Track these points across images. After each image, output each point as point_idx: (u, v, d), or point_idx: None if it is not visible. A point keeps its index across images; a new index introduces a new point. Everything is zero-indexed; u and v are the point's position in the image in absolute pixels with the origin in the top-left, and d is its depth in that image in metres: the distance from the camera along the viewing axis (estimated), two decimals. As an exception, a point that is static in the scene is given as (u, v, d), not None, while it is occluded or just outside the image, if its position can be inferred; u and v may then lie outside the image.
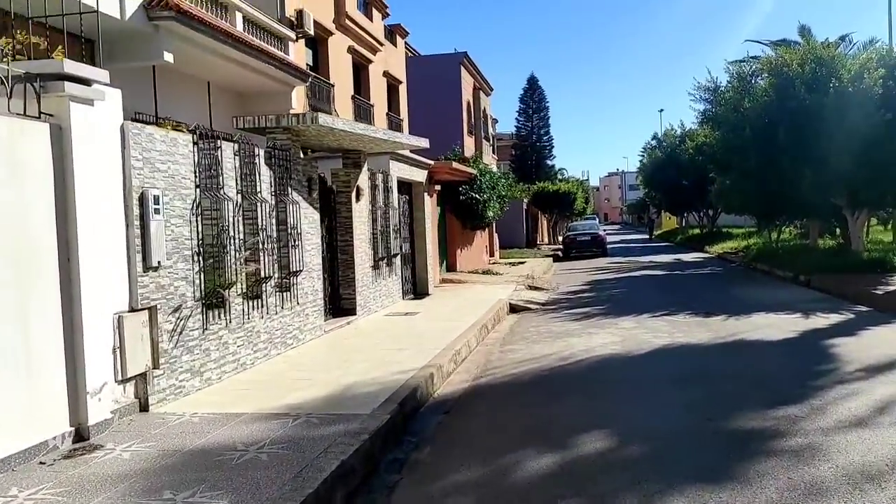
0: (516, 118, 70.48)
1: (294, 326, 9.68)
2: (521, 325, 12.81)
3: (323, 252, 11.62)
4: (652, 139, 42.34)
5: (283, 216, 9.41)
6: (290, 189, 9.61)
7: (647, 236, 59.94)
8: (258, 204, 8.63)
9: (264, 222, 8.76)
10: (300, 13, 17.63)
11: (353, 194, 12.53)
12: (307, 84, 17.45)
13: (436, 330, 11.13)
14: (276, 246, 9.09)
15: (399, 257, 15.47)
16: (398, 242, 15.34)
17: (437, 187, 19.31)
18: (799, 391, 6.89)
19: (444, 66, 35.77)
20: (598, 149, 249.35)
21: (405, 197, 17.22)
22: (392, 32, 26.78)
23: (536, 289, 18.95)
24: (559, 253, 35.30)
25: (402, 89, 26.89)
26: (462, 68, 36.09)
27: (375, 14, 23.66)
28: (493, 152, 55.97)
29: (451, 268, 22.16)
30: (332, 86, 19.79)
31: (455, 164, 19.67)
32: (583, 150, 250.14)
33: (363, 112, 22.00)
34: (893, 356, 8.29)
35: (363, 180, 13.01)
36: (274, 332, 9.04)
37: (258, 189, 8.67)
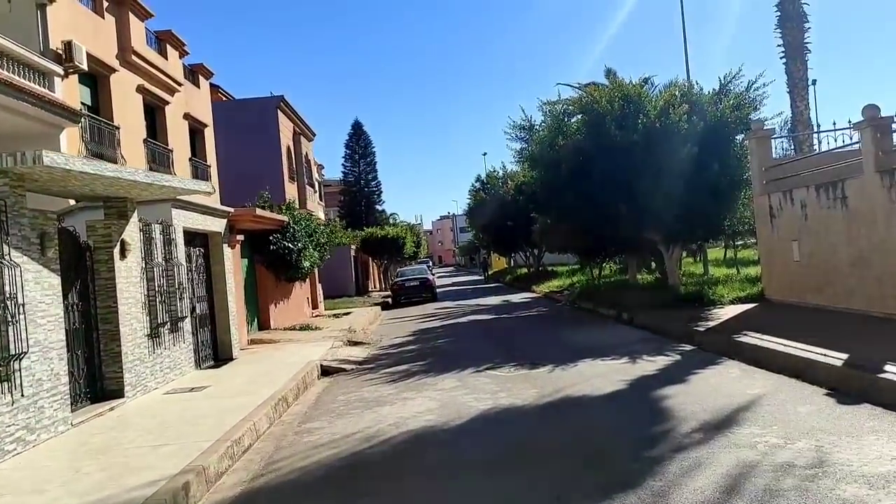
0: (343, 164, 69.51)
1: (17, 426, 7.40)
2: (329, 393, 11.11)
3: (74, 323, 9.38)
4: (476, 181, 42.54)
5: (-4, 284, 7.20)
6: (6, 248, 7.42)
7: (480, 277, 60.33)
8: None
9: (-45, 295, 6.54)
10: (69, 45, 15.19)
11: (117, 250, 10.36)
12: (79, 124, 15.01)
13: (219, 410, 9.17)
14: (-22, 324, 6.87)
15: (189, 320, 13.30)
16: (187, 303, 13.18)
17: (240, 237, 17.29)
18: (636, 467, 5.75)
19: (260, 110, 33.75)
20: (431, 193, 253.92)
21: (200, 250, 15.10)
22: (194, 73, 24.51)
23: (357, 344, 17.34)
24: (390, 300, 34.03)
25: (209, 133, 24.58)
26: (280, 112, 34.22)
27: (171, 52, 21.39)
28: (320, 199, 54.14)
29: (263, 325, 20.06)
30: (117, 128, 17.34)
31: (259, 212, 17.78)
32: (414, 195, 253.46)
33: (159, 157, 19.58)
34: (726, 409, 7.46)
35: (131, 233, 10.86)
36: (-23, 440, 6.76)
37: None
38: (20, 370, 7.46)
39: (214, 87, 38.88)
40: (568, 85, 19.71)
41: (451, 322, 21.08)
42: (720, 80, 18.04)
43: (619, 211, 17.80)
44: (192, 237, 14.45)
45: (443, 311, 25.42)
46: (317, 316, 26.01)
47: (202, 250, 15.23)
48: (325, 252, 25.10)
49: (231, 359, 15.41)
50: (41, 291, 8.06)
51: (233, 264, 16.73)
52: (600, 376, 10.14)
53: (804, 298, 14.24)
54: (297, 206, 22.51)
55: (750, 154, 16.49)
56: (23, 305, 7.51)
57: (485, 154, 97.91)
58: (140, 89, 18.95)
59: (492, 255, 68.23)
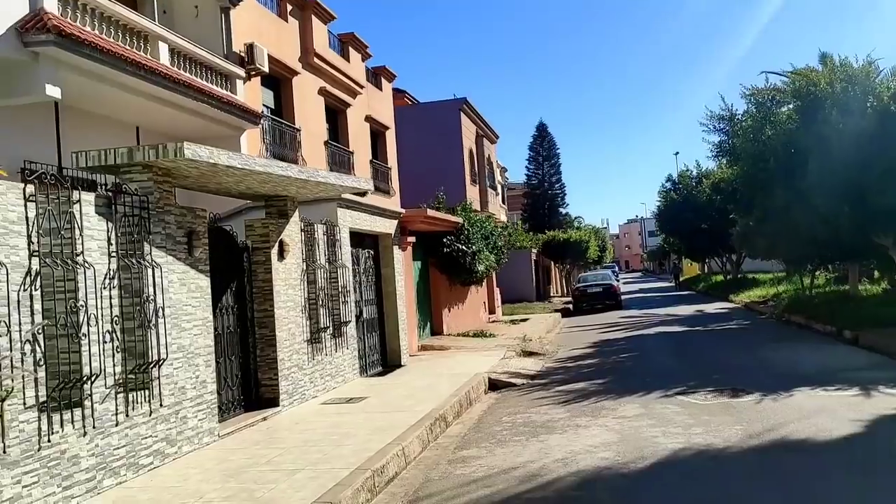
0: (526, 166, 68.39)
1: (156, 438, 6.95)
2: (494, 412, 9.96)
3: (228, 327, 8.96)
4: (667, 181, 39.60)
5: (136, 285, 6.79)
6: (147, 247, 7.00)
7: (670, 283, 56.75)
8: (77, 269, 6.03)
9: (88, 296, 6.13)
10: (251, 48, 15.30)
11: (275, 251, 9.91)
12: (259, 126, 15.09)
13: (371, 428, 8.33)
14: (113, 328, 6.44)
15: (354, 325, 12.75)
16: (352, 307, 12.64)
17: (412, 239, 16.69)
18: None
19: (443, 113, 33.58)
20: (618, 196, 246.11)
21: (368, 252, 14.61)
22: (376, 75, 24.52)
23: (531, 354, 16.10)
24: (571, 306, 32.45)
25: (390, 136, 24.45)
26: (462, 115, 33.83)
27: (353, 54, 21.41)
28: (503, 202, 53.56)
29: (436, 330, 19.41)
30: (298, 130, 17.42)
31: (431, 212, 17.09)
32: (601, 198, 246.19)
33: (340, 159, 19.56)
34: None
35: (291, 233, 10.39)
36: (110, 452, 6.32)
37: (78, 249, 6.07)
38: (159, 378, 7.01)
39: (399, 92, 39.42)
40: (774, 73, 17.19)
41: (637, 334, 19.20)
42: None
43: (841, 211, 15.10)
44: (361, 238, 13.98)
45: (628, 321, 23.49)
46: (493, 321, 25.09)
47: (371, 252, 14.74)
48: (503, 255, 24.11)
49: (399, 365, 14.79)
50: (187, 293, 7.63)
51: (403, 267, 16.15)
52: (825, 412, 8.13)
53: None
54: (472, 207, 21.70)
55: None
56: (162, 308, 7.06)
57: (677, 153, 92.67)
58: (322, 91, 18.97)
59: (682, 260, 64.14)
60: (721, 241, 35.26)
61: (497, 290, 28.18)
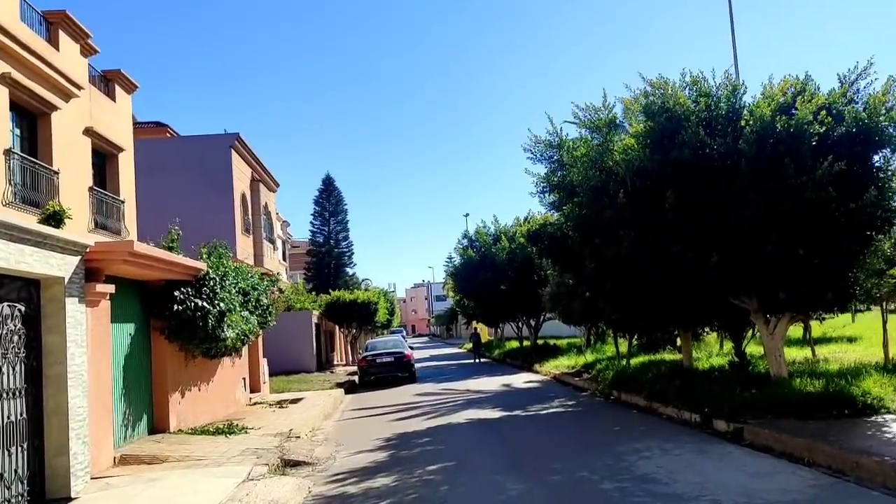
0: (311, 222, 63.18)
1: None
2: None
3: None
4: (463, 238, 36.19)
5: None
6: None
7: (461, 350, 53.57)
8: None
9: None
10: None
11: None
12: None
13: None
14: None
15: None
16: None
17: (108, 288, 10.64)
18: None
19: (211, 149, 27.52)
20: (404, 261, 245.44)
21: (16, 308, 8.56)
22: (108, 80, 18.13)
23: (295, 465, 10.68)
24: (357, 378, 27.27)
25: (126, 161, 18.02)
26: (234, 153, 27.95)
27: (67, 42, 15.11)
28: (284, 258, 47.65)
29: (158, 427, 13.25)
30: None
31: (142, 247, 11.19)
32: (388, 261, 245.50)
33: (32, 177, 13.05)
34: None
35: None
36: None
37: None
38: None
39: (160, 126, 32.89)
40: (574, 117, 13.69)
41: (443, 422, 14.44)
42: (840, 78, 12.04)
43: (707, 261, 11.60)
44: (10, 282, 7.97)
45: (427, 401, 18.75)
46: (255, 403, 19.18)
47: (20, 308, 8.67)
48: (270, 317, 18.48)
49: (68, 499, 8.74)
50: None
51: (92, 332, 10.15)
52: None
53: None
54: (225, 248, 15.97)
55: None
56: None
57: (467, 215, 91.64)
58: (5, 79, 12.58)
59: (471, 324, 61.80)
60: (521, 304, 32.21)
61: (263, 362, 22.28)
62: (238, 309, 15.09)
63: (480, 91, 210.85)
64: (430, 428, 13.74)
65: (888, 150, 11.24)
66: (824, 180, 10.58)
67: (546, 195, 15.15)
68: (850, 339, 24.19)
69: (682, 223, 11.74)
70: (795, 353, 18.32)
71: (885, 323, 17.23)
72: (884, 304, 16.29)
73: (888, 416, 9.94)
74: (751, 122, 11.13)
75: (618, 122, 13.80)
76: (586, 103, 14.11)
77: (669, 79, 12.50)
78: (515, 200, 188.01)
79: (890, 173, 11.17)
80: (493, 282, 32.74)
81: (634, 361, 20.14)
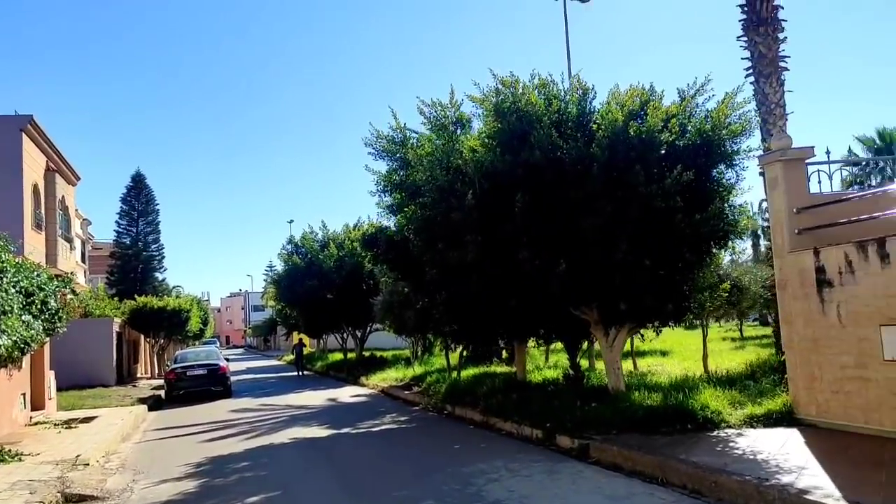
0: (117, 222, 57.61)
1: None
2: None
3: None
4: (288, 243, 34.26)
5: None
6: None
7: (281, 362, 51.12)
8: None
9: None
10: None
11: None
12: None
13: None
14: None
15: None
16: None
17: None
18: None
19: (-5, 131, 23.73)
20: (220, 268, 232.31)
21: None
22: None
23: (77, 500, 8.77)
24: (164, 392, 24.63)
25: None
26: (25, 137, 24.30)
27: None
28: (83, 260, 43.00)
29: None
30: None
31: None
32: (202, 269, 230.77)
33: None
34: None
35: None
36: None
37: None
38: None
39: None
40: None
41: (264, 442, 12.89)
42: (680, 93, 12.12)
43: (555, 268, 11.11)
44: None
45: (244, 417, 16.98)
46: (37, 423, 16.40)
47: None
48: (59, 323, 15.86)
49: None
50: None
51: None
52: None
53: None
54: (5, 241, 13.36)
55: (767, 186, 10.69)
56: None
57: (291, 221, 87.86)
58: None
59: (293, 335, 59.41)
60: (348, 313, 30.91)
61: (50, 374, 19.30)
62: (17, 312, 12.61)
63: (316, 87, 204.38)
64: (250, 450, 12.15)
65: (725, 164, 11.38)
66: (672, 189, 10.47)
67: (386, 195, 14.13)
68: (663, 353, 25.35)
69: (531, 228, 11.18)
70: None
71: (705, 338, 18.00)
72: (704, 319, 16.94)
73: (730, 431, 9.88)
74: (603, 127, 10.81)
75: (466, 120, 13.10)
76: (433, 99, 13.32)
77: (521, 78, 11.99)
78: (345, 208, 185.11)
79: (730, 187, 11.31)
80: (318, 290, 31.23)
81: (466, 374, 19.63)
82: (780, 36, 14.42)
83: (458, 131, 13.06)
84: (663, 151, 10.83)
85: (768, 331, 42.83)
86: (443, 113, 13.21)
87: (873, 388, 8.74)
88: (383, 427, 14.41)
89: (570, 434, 10.60)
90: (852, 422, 9.05)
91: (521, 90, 11.68)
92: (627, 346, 24.51)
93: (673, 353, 24.84)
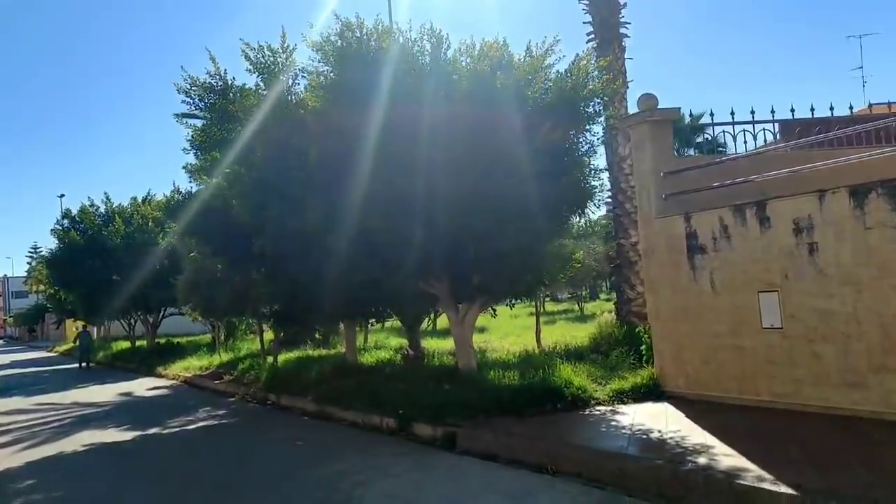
0: None
1: None
2: None
3: None
4: (64, 218, 29.81)
5: None
6: None
7: (52, 354, 45.19)
8: None
9: None
10: None
11: None
12: None
13: None
14: None
15: None
16: None
17: None
18: None
19: None
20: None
21: None
22: None
23: None
24: None
25: None
26: None
27: None
28: None
29: None
30: None
31: None
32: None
33: None
34: None
35: None
36: None
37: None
38: None
39: None
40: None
41: (50, 452, 10.38)
42: (529, 49, 11.33)
43: (411, 239, 9.89)
44: None
45: (18, 421, 13.95)
46: None
47: None
48: None
49: None
50: None
51: None
52: None
53: (778, 395, 8.09)
54: None
55: (633, 149, 10.23)
56: None
57: (62, 196, 77.41)
58: None
59: (64, 323, 52.96)
60: (139, 296, 27.50)
61: None
62: None
63: (103, 38, 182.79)
64: (32, 464, 9.69)
65: (589, 124, 10.78)
66: (542, 149, 9.65)
67: (203, 153, 12.04)
68: (480, 330, 25.13)
69: (384, 192, 9.85)
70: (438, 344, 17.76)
71: (538, 313, 17.66)
72: (539, 294, 16.61)
73: (603, 408, 9.33)
74: (467, 78, 9.72)
75: (300, 69, 11.38)
76: (260, 43, 11.42)
77: (365, 21, 10.52)
78: (131, 183, 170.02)
79: (592, 150, 10.74)
80: (102, 270, 27.60)
81: (284, 359, 17.89)
82: (621, 1, 14.23)
83: (292, 82, 11.30)
84: (529, 109, 9.95)
85: (570, 305, 44.79)
86: (272, 59, 11.38)
87: (749, 356, 8.52)
88: (200, 424, 12.39)
89: (429, 421, 9.51)
90: (726, 393, 8.81)
91: (366, 34, 10.23)
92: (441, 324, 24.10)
93: (490, 330, 24.68)
